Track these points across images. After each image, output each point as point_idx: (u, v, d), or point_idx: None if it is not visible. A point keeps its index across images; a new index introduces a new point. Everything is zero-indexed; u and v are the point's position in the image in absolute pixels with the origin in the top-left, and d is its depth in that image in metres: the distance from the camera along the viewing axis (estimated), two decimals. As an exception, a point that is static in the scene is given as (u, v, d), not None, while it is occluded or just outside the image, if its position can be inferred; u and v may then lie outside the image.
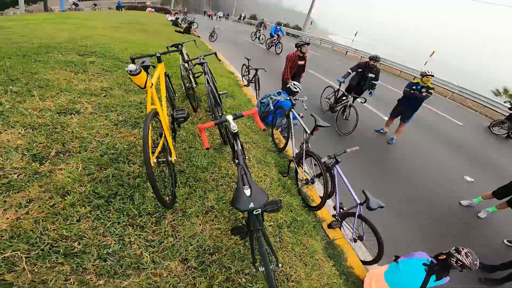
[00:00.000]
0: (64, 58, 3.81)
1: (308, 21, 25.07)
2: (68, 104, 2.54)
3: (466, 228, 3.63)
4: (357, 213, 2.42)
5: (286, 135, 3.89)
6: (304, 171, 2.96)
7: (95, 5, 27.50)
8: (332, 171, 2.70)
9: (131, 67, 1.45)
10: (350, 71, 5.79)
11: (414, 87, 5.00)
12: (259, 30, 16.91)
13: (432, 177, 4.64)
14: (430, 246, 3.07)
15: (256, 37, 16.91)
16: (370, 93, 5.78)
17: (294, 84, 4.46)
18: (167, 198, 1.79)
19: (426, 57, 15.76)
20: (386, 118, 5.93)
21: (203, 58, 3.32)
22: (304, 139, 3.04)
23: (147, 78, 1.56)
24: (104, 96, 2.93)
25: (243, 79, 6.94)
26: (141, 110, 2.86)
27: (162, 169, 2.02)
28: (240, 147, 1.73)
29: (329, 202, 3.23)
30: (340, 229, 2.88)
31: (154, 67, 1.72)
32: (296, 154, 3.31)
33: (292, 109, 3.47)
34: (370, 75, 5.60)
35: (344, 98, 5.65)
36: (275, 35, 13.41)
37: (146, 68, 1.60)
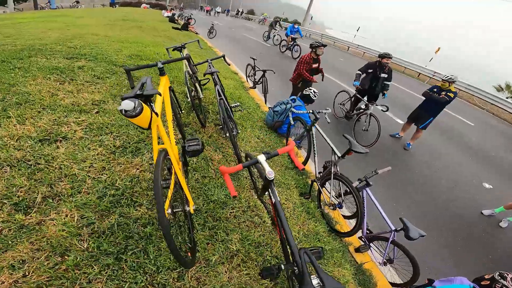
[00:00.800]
0: (48, 64, 3.29)
1: (308, 16, 24.45)
2: (52, 127, 2.06)
3: (489, 238, 3.53)
4: (390, 239, 2.26)
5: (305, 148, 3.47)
6: (329, 192, 2.72)
7: (78, 2, 25.87)
8: (361, 193, 2.44)
9: (127, 105, 0.96)
10: (360, 72, 5.33)
11: (435, 90, 4.74)
12: (274, 29, 14.28)
13: (450, 185, 4.46)
14: (456, 259, 3.05)
15: (269, 38, 14.54)
16: (383, 95, 5.25)
17: (314, 91, 4.02)
18: (188, 253, 1.45)
19: (432, 53, 15.33)
20: (398, 120, 5.52)
21: (212, 65, 2.83)
22: (332, 161, 2.65)
23: (151, 113, 1.08)
24: (96, 112, 2.44)
25: (248, 80, 6.47)
26: (142, 130, 2.39)
27: (178, 219, 1.60)
28: (277, 198, 1.29)
29: (351, 221, 2.98)
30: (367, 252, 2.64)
31: (159, 94, 1.22)
32: (320, 175, 2.93)
33: (315, 124, 3.08)
34: (383, 75, 5.14)
35: (363, 107, 5.10)
36: (291, 36, 11.50)
37: (148, 98, 1.11)
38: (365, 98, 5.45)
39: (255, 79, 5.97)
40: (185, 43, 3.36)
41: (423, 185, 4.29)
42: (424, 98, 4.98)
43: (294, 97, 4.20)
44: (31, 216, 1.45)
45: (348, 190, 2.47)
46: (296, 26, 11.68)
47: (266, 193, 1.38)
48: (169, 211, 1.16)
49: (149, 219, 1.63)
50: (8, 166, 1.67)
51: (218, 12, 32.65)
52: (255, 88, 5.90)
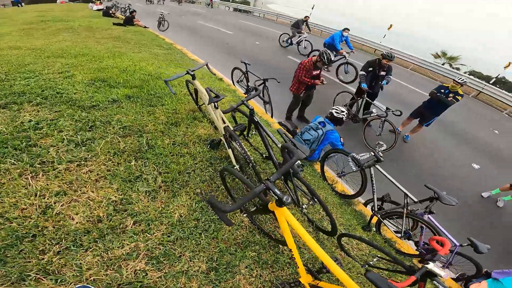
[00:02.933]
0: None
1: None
2: None
3: (495, 217, 4.19)
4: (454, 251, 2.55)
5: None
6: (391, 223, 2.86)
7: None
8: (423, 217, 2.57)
9: None
10: (364, 73, 5.13)
11: (442, 91, 4.71)
12: (301, 33, 10.23)
13: (446, 170, 4.99)
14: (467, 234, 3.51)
15: (291, 44, 10.72)
16: (382, 87, 5.23)
17: (337, 109, 3.38)
18: None
19: (385, 30, 15.88)
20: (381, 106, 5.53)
21: (246, 102, 2.09)
22: (406, 204, 2.60)
23: None
24: None
25: (237, 85, 5.51)
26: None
27: None
28: None
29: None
30: None
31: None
32: (384, 212, 2.81)
33: (377, 165, 2.70)
34: (382, 73, 5.09)
35: (374, 111, 4.92)
36: (340, 50, 7.56)
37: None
38: (379, 104, 5.38)
39: (247, 86, 5.06)
40: (193, 70, 2.39)
41: (423, 171, 4.72)
42: (427, 100, 4.98)
43: (321, 118, 3.53)
44: None
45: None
46: (345, 34, 7.75)
47: None
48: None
49: None
50: None
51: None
52: (250, 95, 4.99)
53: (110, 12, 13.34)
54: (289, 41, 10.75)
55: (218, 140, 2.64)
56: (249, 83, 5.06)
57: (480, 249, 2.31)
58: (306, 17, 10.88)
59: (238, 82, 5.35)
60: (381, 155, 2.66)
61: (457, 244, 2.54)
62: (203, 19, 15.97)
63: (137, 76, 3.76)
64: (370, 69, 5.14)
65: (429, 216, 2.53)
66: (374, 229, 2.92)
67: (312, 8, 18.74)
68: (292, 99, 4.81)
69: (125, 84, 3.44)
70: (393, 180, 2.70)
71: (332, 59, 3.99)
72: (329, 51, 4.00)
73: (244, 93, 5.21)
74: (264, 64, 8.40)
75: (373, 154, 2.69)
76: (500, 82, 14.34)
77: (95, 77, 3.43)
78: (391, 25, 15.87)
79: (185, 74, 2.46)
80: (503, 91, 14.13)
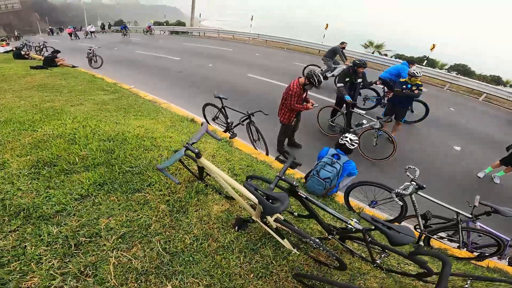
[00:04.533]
0: None
1: (194, 13, 22.50)
2: None
3: (497, 193, 4.44)
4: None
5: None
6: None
7: None
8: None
9: None
10: (342, 84, 5.04)
11: (405, 86, 4.90)
12: (336, 64, 8.44)
13: (434, 158, 5.17)
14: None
15: (327, 77, 8.27)
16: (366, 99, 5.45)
17: (348, 140, 2.97)
18: None
19: (323, 30, 16.78)
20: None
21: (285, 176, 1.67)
22: (459, 220, 2.62)
23: None
24: None
25: (213, 124, 4.74)
26: None
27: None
28: None
29: None
30: None
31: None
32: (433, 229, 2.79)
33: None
34: (359, 80, 5.17)
35: (365, 122, 4.80)
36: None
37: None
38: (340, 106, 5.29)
39: (227, 123, 4.35)
40: (193, 142, 1.65)
41: (419, 164, 4.69)
42: (392, 96, 5.21)
43: (332, 150, 3.07)
44: None
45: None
46: (412, 68, 6.15)
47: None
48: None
49: None
50: None
51: (92, 32, 21.62)
52: (234, 134, 4.29)
53: (23, 53, 11.18)
54: (321, 73, 8.14)
55: (246, 218, 2.04)
56: (228, 119, 4.36)
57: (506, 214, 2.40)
58: (343, 43, 8.49)
59: (214, 120, 4.59)
60: (413, 178, 2.56)
61: (508, 239, 2.63)
62: (141, 48, 14.66)
63: (94, 146, 2.75)
64: (347, 79, 5.04)
65: (478, 223, 2.63)
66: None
67: (251, 19, 18.90)
68: (281, 129, 4.29)
69: (84, 163, 2.43)
70: (442, 203, 2.57)
71: (322, 80, 3.59)
72: (317, 72, 3.59)
73: (224, 131, 4.50)
74: (230, 87, 7.77)
75: (414, 183, 2.53)
76: (429, 63, 16.30)
77: (36, 160, 2.36)
78: (327, 25, 16.85)
79: (184, 151, 1.69)
80: (437, 69, 16.11)
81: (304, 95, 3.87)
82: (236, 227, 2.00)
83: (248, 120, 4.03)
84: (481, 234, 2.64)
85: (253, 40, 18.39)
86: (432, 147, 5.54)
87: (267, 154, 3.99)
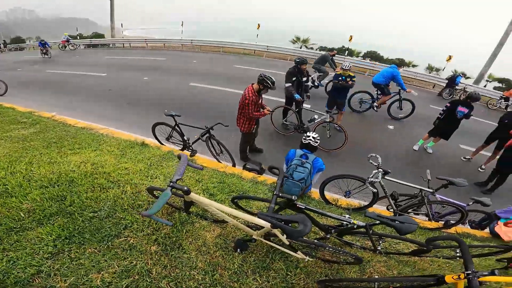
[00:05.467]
0: None
1: (114, 23, 20.34)
2: None
3: (433, 161, 5.27)
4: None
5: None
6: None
7: None
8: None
9: None
10: (290, 84, 5.19)
11: (340, 78, 5.39)
12: (322, 72, 8.32)
13: (375, 139, 5.87)
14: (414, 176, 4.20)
15: (321, 85, 8.19)
16: (308, 96, 5.70)
17: (311, 138, 3.05)
18: None
19: (256, 31, 17.27)
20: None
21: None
22: (423, 196, 3.04)
23: None
24: None
25: (167, 144, 4.35)
26: None
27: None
28: None
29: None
30: None
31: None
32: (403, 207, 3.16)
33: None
34: (304, 79, 5.40)
35: (316, 117, 5.12)
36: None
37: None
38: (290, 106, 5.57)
39: (184, 140, 4.05)
40: (177, 178, 1.46)
41: (358, 146, 5.36)
42: (331, 89, 5.75)
43: (299, 151, 3.13)
44: None
45: None
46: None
47: None
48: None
49: None
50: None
51: None
52: (193, 151, 4.01)
53: None
54: (316, 83, 7.96)
55: (246, 238, 1.97)
56: (185, 137, 4.06)
57: (486, 202, 2.73)
58: (332, 50, 9.04)
59: (168, 139, 4.21)
60: (378, 165, 2.84)
61: (464, 204, 2.99)
62: (54, 66, 12.53)
63: (37, 195, 2.25)
64: (294, 78, 5.22)
65: (437, 195, 2.96)
66: None
67: (182, 25, 18.15)
68: (242, 138, 4.23)
69: (33, 217, 2.04)
70: (406, 183, 2.93)
71: (274, 80, 3.63)
72: (268, 75, 3.61)
73: (181, 150, 4.18)
74: (174, 101, 7.25)
75: (381, 170, 2.79)
76: (349, 52, 18.47)
77: None
78: (258, 25, 17.41)
79: (171, 191, 1.48)
80: (355, 58, 18.29)
81: (260, 101, 3.87)
82: (238, 250, 1.96)
83: (207, 135, 3.82)
84: (444, 205, 3.00)
85: (186, 46, 17.73)
86: (373, 130, 6.27)
87: (234, 165, 3.87)
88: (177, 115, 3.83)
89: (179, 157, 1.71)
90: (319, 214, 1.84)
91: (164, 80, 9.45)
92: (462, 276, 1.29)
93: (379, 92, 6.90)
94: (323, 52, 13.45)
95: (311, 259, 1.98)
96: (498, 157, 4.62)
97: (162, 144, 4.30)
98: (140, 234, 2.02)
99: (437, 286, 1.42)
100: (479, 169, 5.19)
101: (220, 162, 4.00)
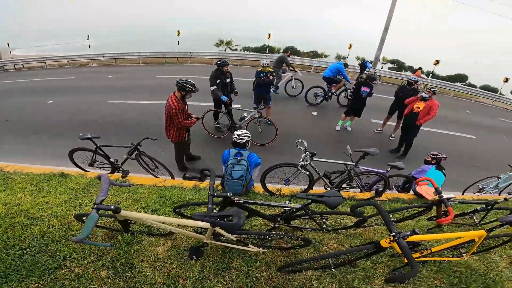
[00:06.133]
0: None
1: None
2: None
3: (353, 137, 6.16)
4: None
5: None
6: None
7: None
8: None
9: None
10: (215, 86, 5.25)
11: (262, 75, 5.67)
12: (283, 74, 8.70)
13: (303, 125, 6.54)
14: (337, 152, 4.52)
15: (278, 87, 8.63)
16: (236, 93, 5.69)
17: (237, 136, 3.12)
18: None
19: (176, 38, 16.65)
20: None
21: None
22: (349, 170, 3.41)
23: None
24: None
25: (89, 169, 3.89)
26: None
27: None
28: None
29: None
30: None
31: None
32: (337, 183, 3.51)
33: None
34: (228, 80, 5.50)
35: (246, 115, 5.36)
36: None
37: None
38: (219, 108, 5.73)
39: (112, 162, 3.72)
40: (102, 199, 1.41)
41: (291, 135, 5.58)
42: (256, 85, 5.90)
43: (233, 150, 3.20)
44: None
45: None
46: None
47: None
48: None
49: None
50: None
51: None
52: (125, 172, 3.71)
53: None
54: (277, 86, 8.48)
55: (198, 245, 2.00)
56: (111, 159, 3.72)
57: (400, 166, 3.17)
58: (287, 51, 9.66)
59: (92, 165, 3.77)
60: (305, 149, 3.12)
61: (384, 171, 3.37)
62: None
63: None
64: (218, 81, 5.28)
65: (361, 167, 3.34)
66: None
67: (88, 38, 16.10)
68: (176, 148, 4.15)
69: None
70: (332, 161, 3.25)
71: (194, 82, 3.66)
72: (184, 79, 3.65)
73: (110, 173, 3.82)
74: (91, 123, 6.44)
75: (309, 153, 3.05)
76: (270, 50, 19.68)
77: None
78: (178, 32, 16.88)
79: (97, 213, 1.39)
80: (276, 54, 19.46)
81: (185, 108, 3.84)
82: (194, 257, 1.95)
83: (136, 152, 3.60)
84: (368, 175, 3.33)
85: (98, 61, 15.84)
86: (300, 118, 6.91)
87: (172, 178, 3.76)
88: (95, 137, 3.48)
89: (99, 178, 1.61)
90: (260, 205, 1.95)
91: (74, 101, 8.24)
92: (391, 238, 1.39)
93: (329, 85, 7.82)
94: (247, 52, 13.85)
95: (266, 250, 2.05)
96: (401, 125, 5.48)
97: (86, 171, 3.83)
98: (83, 262, 1.91)
99: (381, 252, 1.50)
100: (389, 137, 6.24)
101: (157, 177, 3.82)
